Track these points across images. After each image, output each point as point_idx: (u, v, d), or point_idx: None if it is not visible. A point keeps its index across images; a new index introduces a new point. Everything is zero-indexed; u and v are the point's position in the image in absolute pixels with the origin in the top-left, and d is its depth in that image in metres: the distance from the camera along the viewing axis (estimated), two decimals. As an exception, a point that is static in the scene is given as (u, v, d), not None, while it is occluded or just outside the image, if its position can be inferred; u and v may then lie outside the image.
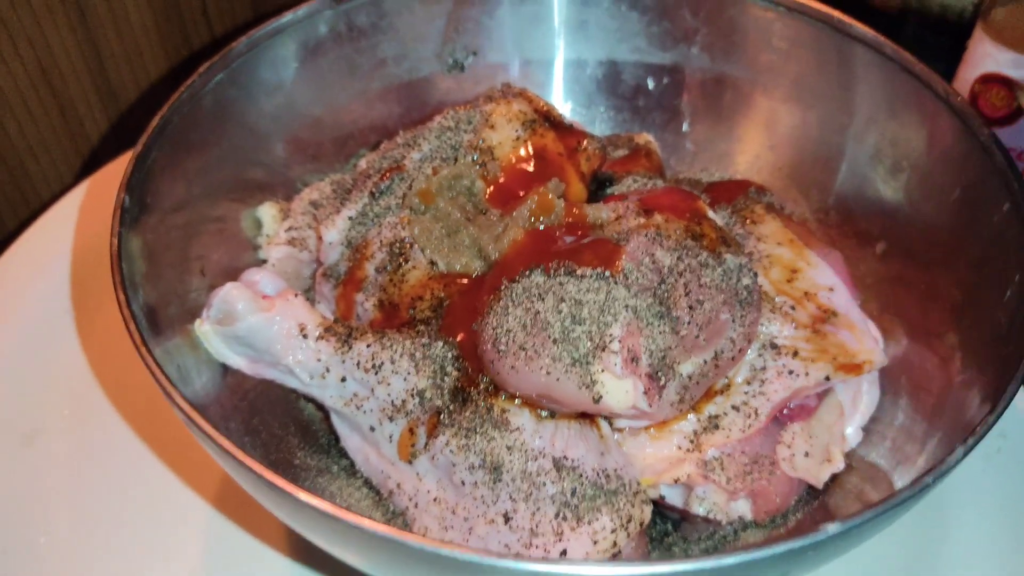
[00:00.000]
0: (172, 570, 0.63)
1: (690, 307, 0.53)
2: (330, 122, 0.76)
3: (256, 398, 0.61)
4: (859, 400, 0.61)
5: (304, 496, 0.43)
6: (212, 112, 0.65)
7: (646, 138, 0.74)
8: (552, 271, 0.53)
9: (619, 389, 0.50)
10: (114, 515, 0.66)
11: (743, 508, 0.58)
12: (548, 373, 0.50)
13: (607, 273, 0.52)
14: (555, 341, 0.50)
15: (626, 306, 0.51)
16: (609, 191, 0.66)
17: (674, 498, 0.58)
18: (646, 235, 0.54)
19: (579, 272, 0.52)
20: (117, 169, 0.89)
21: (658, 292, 0.53)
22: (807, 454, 0.58)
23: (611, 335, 0.50)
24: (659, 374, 0.51)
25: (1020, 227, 0.56)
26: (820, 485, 0.58)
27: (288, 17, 0.69)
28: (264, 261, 0.69)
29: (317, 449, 0.63)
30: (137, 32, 1.02)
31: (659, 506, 0.59)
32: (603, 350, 0.50)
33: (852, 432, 0.61)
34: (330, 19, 0.72)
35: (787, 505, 0.58)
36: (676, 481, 0.57)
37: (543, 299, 0.52)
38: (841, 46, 0.70)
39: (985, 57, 0.87)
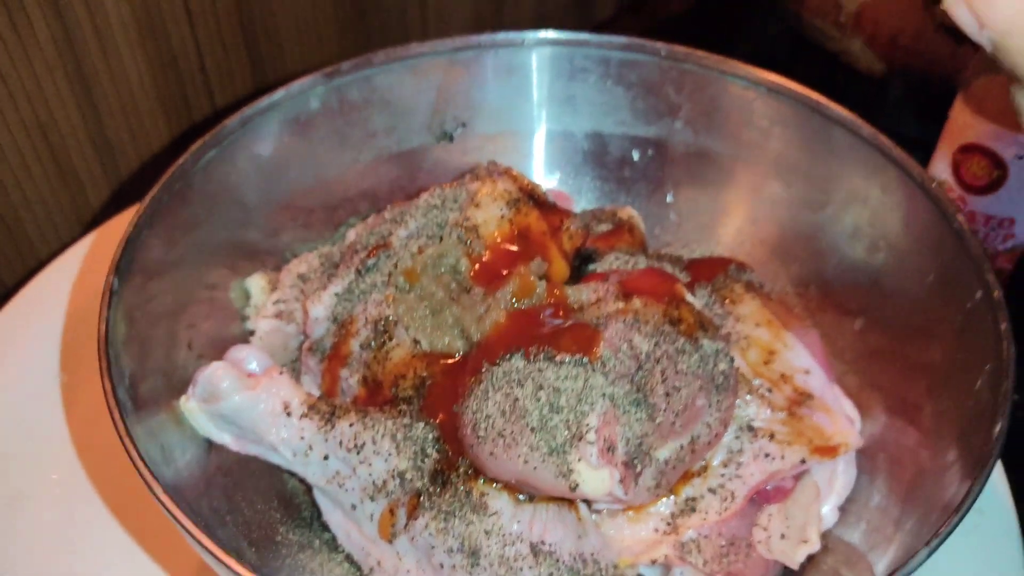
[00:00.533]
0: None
1: (666, 394, 0.54)
2: (320, 192, 0.77)
3: (239, 473, 0.62)
4: (835, 480, 0.61)
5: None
6: (203, 188, 0.66)
7: (629, 212, 0.76)
8: (532, 356, 0.54)
9: (595, 478, 0.51)
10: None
11: (720, 589, 0.58)
12: (526, 462, 0.51)
13: (585, 359, 0.53)
14: (533, 429, 0.51)
15: (603, 395, 0.52)
16: (591, 268, 0.68)
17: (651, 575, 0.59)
18: (624, 321, 0.55)
19: (558, 358, 0.53)
20: (116, 227, 0.91)
21: (635, 378, 0.54)
22: (783, 536, 0.59)
23: (588, 425, 0.51)
24: (635, 461, 0.52)
25: (991, 316, 0.57)
26: (796, 566, 0.59)
27: (281, 94, 0.71)
28: (251, 332, 0.70)
29: (299, 523, 0.63)
30: (134, 87, 1.04)
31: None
32: (580, 440, 0.50)
33: (828, 511, 0.61)
34: (322, 95, 0.74)
35: (764, 586, 0.59)
36: (653, 562, 0.57)
37: (522, 385, 0.53)
38: (820, 127, 0.71)
39: (966, 128, 0.89)
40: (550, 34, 0.79)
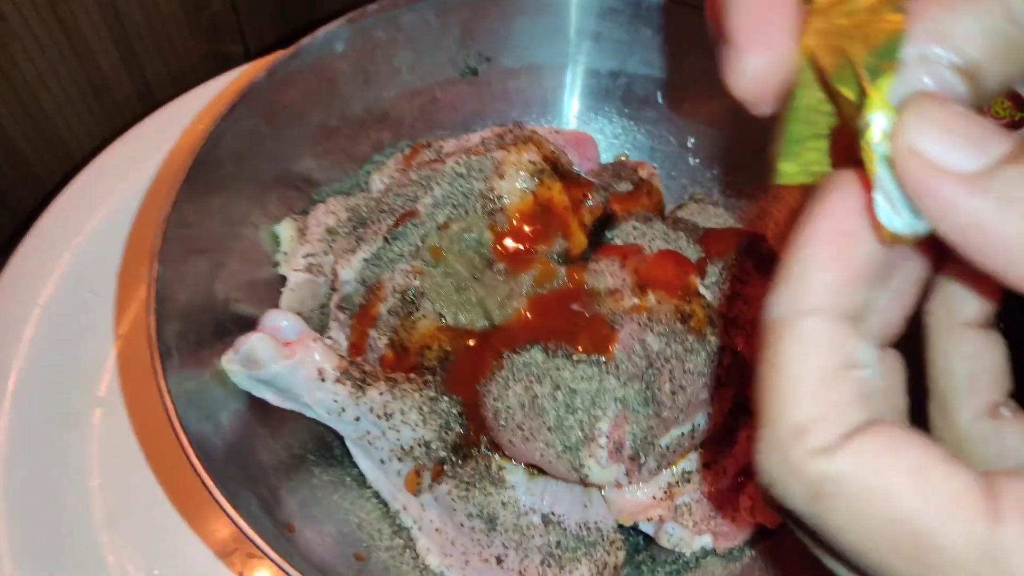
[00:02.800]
0: None
1: (673, 392, 0.58)
2: (344, 131, 0.78)
3: (277, 421, 0.68)
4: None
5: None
6: (234, 150, 0.67)
7: (649, 171, 0.77)
8: (550, 351, 0.58)
9: (603, 472, 0.56)
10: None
11: (705, 541, 0.66)
12: (542, 455, 0.57)
13: (601, 359, 0.57)
14: (550, 429, 0.56)
15: (615, 399, 0.56)
16: (608, 237, 0.70)
17: (646, 528, 0.66)
18: (639, 322, 0.59)
19: (575, 357, 0.58)
20: (140, 133, 0.92)
21: (645, 376, 0.58)
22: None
23: (599, 429, 0.56)
24: (640, 453, 0.58)
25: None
26: (774, 526, 0.66)
27: (306, 42, 0.70)
28: (282, 277, 0.73)
29: (332, 462, 0.70)
30: (167, 22, 1.02)
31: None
32: (592, 441, 0.56)
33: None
34: (347, 37, 0.73)
35: (745, 540, 0.67)
36: (648, 520, 0.64)
37: (541, 382, 0.57)
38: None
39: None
40: (581, -29, 0.76)
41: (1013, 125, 0.92)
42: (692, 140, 0.82)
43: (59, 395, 0.79)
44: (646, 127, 0.83)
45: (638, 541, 0.71)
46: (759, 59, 0.32)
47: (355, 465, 0.70)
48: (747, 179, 0.80)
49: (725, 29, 0.32)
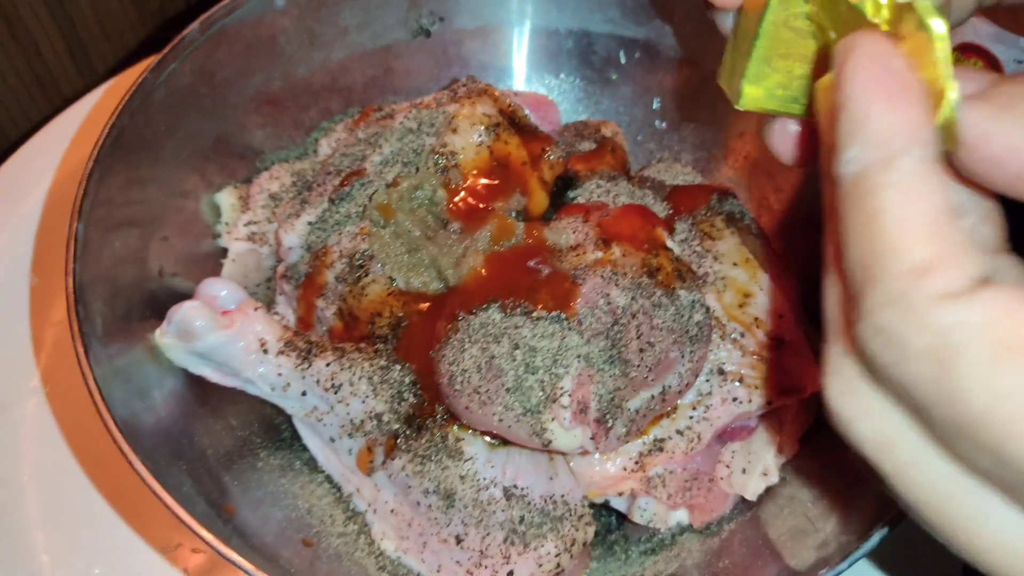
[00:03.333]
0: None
1: (641, 350, 0.54)
2: (290, 93, 0.73)
3: (218, 400, 0.63)
4: (798, 415, 0.64)
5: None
6: (166, 105, 0.63)
7: (613, 129, 0.73)
8: (508, 309, 0.54)
9: (568, 436, 0.52)
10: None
11: (681, 516, 0.62)
12: (500, 420, 0.52)
13: (562, 316, 0.53)
14: (508, 390, 0.52)
15: (578, 355, 0.52)
16: (571, 196, 0.66)
17: (618, 504, 0.62)
18: (602, 275, 0.55)
19: (535, 314, 0.53)
20: (80, 111, 0.87)
21: (611, 333, 0.54)
22: (744, 471, 0.61)
23: (562, 388, 0.51)
24: (607, 416, 0.53)
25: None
26: (754, 498, 0.62)
27: (243, -6, 0.66)
28: (224, 250, 0.68)
29: (280, 445, 0.65)
30: None
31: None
32: (554, 402, 0.51)
33: (787, 445, 0.64)
34: (287, -9, 0.68)
35: (722, 513, 0.62)
36: (620, 494, 0.60)
37: (499, 342, 0.53)
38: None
39: (966, 26, 0.85)
40: (537, -78, 0.73)
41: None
42: (658, 102, 0.79)
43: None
44: (609, 90, 0.80)
45: (611, 521, 0.66)
46: None
47: (306, 449, 0.65)
48: (716, 138, 0.77)
49: None
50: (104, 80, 0.89)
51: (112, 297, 0.58)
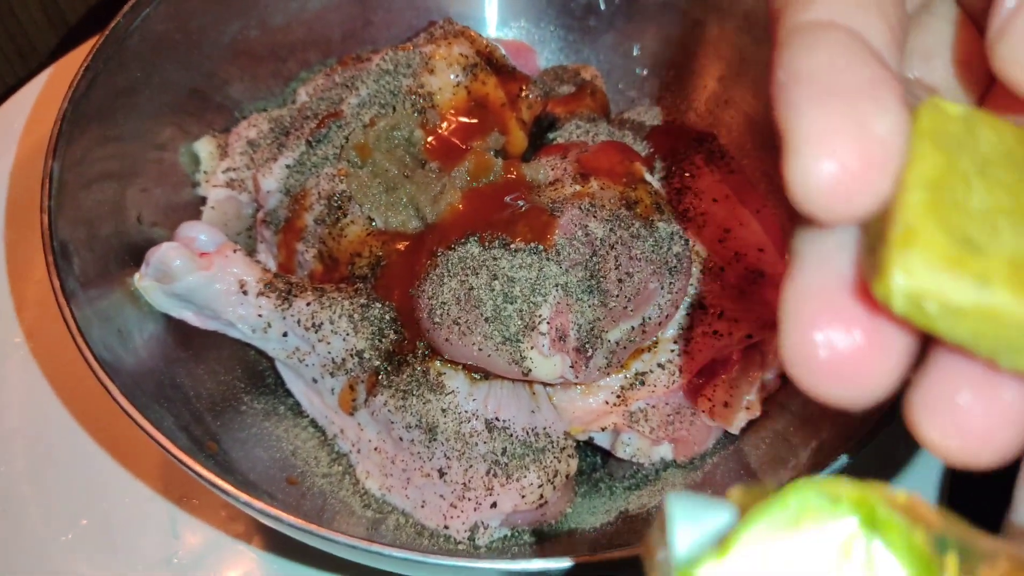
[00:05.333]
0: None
1: (619, 280, 0.54)
2: (267, 41, 0.73)
3: (201, 345, 0.63)
4: (780, 349, 0.64)
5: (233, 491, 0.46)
6: (140, 52, 0.62)
7: (592, 72, 0.73)
8: (487, 242, 0.54)
9: (547, 364, 0.52)
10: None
11: (665, 451, 0.62)
12: (480, 349, 0.52)
13: (540, 247, 0.53)
14: (487, 320, 0.52)
15: (556, 284, 0.52)
16: (550, 137, 0.66)
17: (602, 440, 0.62)
18: (580, 207, 0.55)
19: (513, 246, 0.53)
20: (56, 75, 0.86)
21: (589, 264, 0.54)
22: (727, 404, 0.62)
23: (540, 316, 0.51)
24: (586, 346, 0.54)
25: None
26: (736, 431, 0.62)
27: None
28: (203, 199, 0.68)
29: (264, 391, 0.65)
30: None
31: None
32: (532, 330, 0.52)
33: (771, 379, 0.64)
34: (262, -64, 0.68)
35: (705, 448, 0.63)
36: (603, 429, 0.60)
37: (477, 273, 0.53)
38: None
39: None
40: None
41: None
42: (638, 48, 0.78)
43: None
44: (589, 37, 0.79)
45: (596, 460, 0.67)
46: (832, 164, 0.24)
47: (290, 395, 0.65)
48: (696, 83, 0.76)
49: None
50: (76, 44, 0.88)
51: (90, 241, 0.58)
